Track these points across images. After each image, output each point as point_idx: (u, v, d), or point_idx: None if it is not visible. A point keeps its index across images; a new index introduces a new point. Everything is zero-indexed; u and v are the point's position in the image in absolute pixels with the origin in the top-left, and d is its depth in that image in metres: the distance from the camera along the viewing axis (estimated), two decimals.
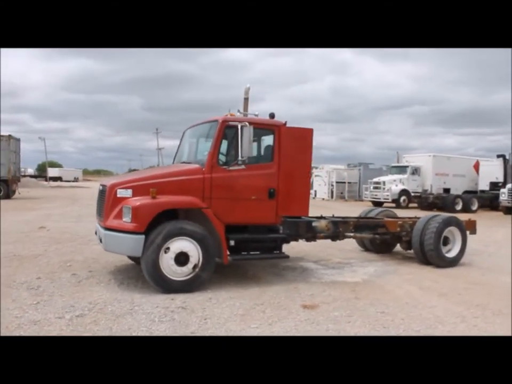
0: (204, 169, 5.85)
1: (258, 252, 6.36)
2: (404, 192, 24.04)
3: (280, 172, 6.22)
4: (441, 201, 22.57)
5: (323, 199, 33.31)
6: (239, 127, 5.78)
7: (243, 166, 5.96)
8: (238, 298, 5.47)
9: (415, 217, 8.67)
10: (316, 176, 35.65)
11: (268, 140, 6.33)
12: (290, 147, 6.27)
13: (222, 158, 6.02)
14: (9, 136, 22.46)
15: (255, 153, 6.30)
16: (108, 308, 4.96)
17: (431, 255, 7.85)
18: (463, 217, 9.76)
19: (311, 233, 7.37)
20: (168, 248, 5.52)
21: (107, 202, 5.76)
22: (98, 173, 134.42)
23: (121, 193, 5.69)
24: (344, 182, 32.93)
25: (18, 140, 24.13)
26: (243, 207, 6.05)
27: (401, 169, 25.33)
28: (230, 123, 5.93)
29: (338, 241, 8.33)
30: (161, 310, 4.90)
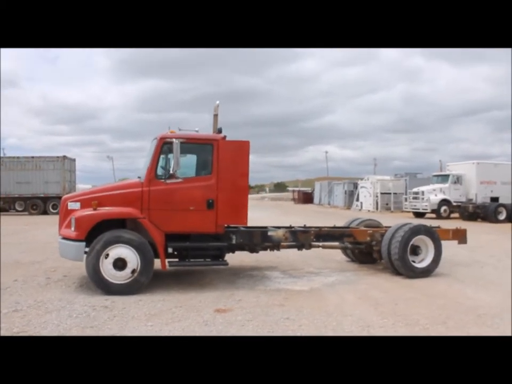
0: (142, 182, 6.44)
1: (201, 260, 6.77)
2: (445, 202, 22.77)
3: (218, 183, 6.60)
4: (482, 211, 21.06)
5: (369, 210, 32.42)
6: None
7: (180, 179, 6.45)
8: (167, 301, 5.91)
9: (388, 227, 8.50)
10: (361, 187, 34.91)
11: (207, 154, 6.71)
12: (229, 159, 6.63)
13: (162, 172, 6.55)
14: (64, 156, 25.06)
15: (191, 167, 6.78)
16: (46, 305, 5.66)
17: (398, 265, 7.67)
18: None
19: (268, 243, 7.61)
20: (107, 254, 6.13)
21: (60, 213, 6.58)
22: None
23: (71, 205, 6.46)
24: (390, 193, 31.83)
25: (73, 160, 26.81)
26: (181, 217, 6.50)
27: (443, 178, 24.03)
28: (167, 140, 6.46)
29: (330, 251, 8.70)
30: (86, 308, 5.50)
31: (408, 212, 25.45)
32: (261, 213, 27.61)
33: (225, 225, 6.94)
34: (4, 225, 18.53)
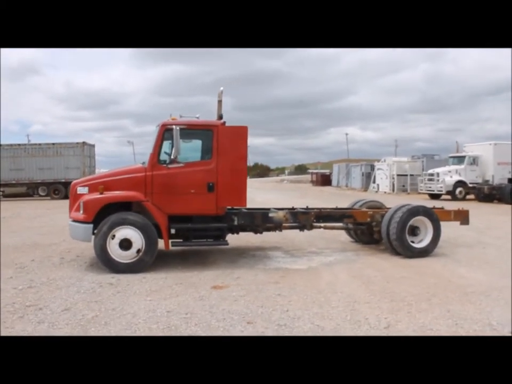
0: (146, 167, 6.78)
1: (203, 240, 7.12)
2: (460, 183, 22.49)
3: (218, 167, 6.88)
4: (498, 192, 20.75)
5: (385, 192, 32.25)
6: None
7: (182, 164, 6.76)
8: (169, 278, 6.29)
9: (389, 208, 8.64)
10: (378, 169, 34.64)
11: (207, 139, 6.98)
12: (228, 144, 6.88)
13: (165, 157, 6.87)
14: (83, 142, 25.80)
15: (192, 152, 7.06)
16: (57, 282, 6.12)
17: (396, 245, 7.85)
18: (462, 206, 9.36)
19: (270, 224, 7.89)
20: (114, 235, 6.54)
21: (70, 197, 7.01)
22: None
23: (80, 190, 6.88)
24: (406, 175, 31.52)
25: (93, 146, 27.54)
26: (183, 200, 6.84)
27: (459, 159, 23.70)
28: (168, 126, 6.75)
29: (335, 232, 9.42)
30: (93, 285, 5.93)
31: (424, 193, 25.26)
32: (276, 195, 27.90)
33: (227, 207, 7.25)
34: (28, 209, 19.40)
